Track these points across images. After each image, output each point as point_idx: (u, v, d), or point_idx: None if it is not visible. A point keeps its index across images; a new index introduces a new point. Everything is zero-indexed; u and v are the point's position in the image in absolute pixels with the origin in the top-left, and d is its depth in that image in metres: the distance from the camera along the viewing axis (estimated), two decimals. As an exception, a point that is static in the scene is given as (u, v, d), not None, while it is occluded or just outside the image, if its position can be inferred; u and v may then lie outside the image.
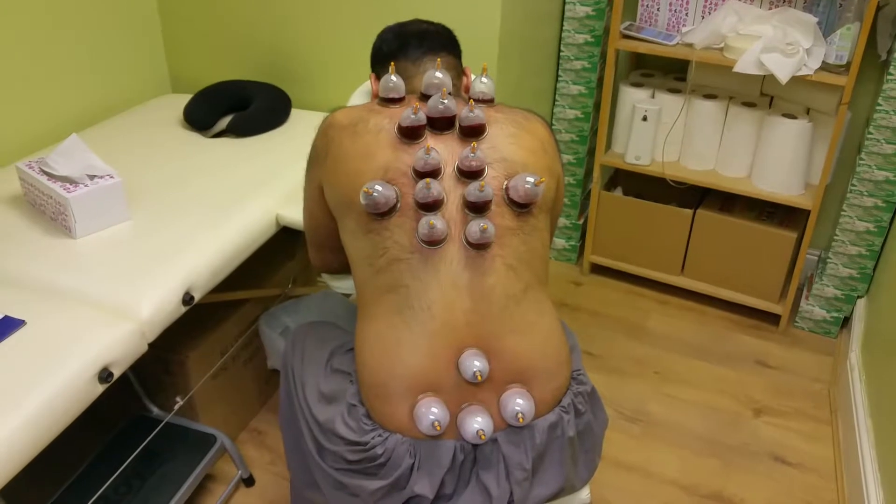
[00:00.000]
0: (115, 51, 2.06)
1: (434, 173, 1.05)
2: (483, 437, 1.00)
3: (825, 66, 1.92)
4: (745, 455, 1.84)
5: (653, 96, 2.25)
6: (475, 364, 1.00)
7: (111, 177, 1.44)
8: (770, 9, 2.03)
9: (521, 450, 1.04)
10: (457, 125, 1.10)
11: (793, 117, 2.06)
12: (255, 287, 1.81)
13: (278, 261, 1.94)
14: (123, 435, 1.62)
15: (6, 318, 1.19)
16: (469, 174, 1.06)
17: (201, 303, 1.39)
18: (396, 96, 1.13)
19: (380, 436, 1.03)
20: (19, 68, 1.80)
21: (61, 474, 1.52)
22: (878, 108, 1.93)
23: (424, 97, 1.12)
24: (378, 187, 1.02)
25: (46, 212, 1.46)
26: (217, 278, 1.42)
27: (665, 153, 2.26)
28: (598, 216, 2.42)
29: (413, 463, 1.02)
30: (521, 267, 1.07)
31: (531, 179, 1.05)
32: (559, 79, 2.34)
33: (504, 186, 1.07)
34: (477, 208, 1.05)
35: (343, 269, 1.26)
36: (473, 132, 1.09)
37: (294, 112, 2.01)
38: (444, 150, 1.08)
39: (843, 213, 2.10)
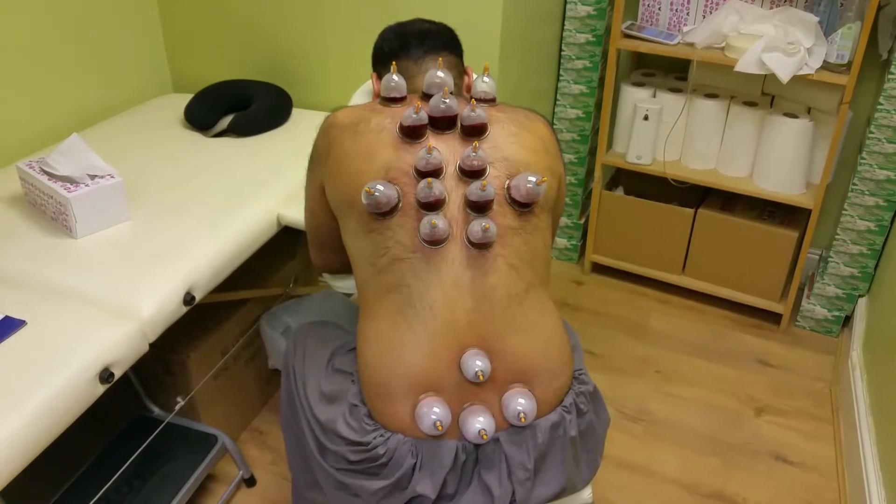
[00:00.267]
0: (115, 50, 2.06)
1: (436, 173, 1.05)
2: (485, 436, 1.00)
3: (826, 66, 1.91)
4: (746, 454, 1.84)
5: (654, 96, 2.25)
6: (477, 364, 1.00)
7: (112, 176, 1.44)
8: (771, 8, 2.03)
9: (523, 450, 1.04)
10: (458, 125, 1.10)
11: (794, 117, 2.06)
12: (256, 287, 1.81)
13: (279, 261, 1.94)
14: (124, 435, 1.62)
15: (7, 318, 1.19)
16: (471, 173, 1.06)
17: (202, 303, 1.39)
18: (398, 96, 1.12)
19: (381, 436, 1.03)
20: (20, 68, 1.80)
21: (62, 475, 1.52)
22: (879, 107, 1.93)
23: (426, 96, 1.12)
24: (380, 187, 1.02)
25: (47, 212, 1.46)
26: (218, 278, 1.42)
27: (666, 152, 2.26)
28: (599, 215, 2.42)
29: (415, 463, 1.02)
30: (523, 266, 1.07)
31: (533, 179, 1.05)
32: (560, 78, 2.33)
33: (506, 186, 1.07)
34: (479, 208, 1.05)
35: (344, 268, 1.26)
36: (475, 131, 1.09)
37: (295, 112, 2.01)
38: (445, 150, 1.08)
39: (844, 212, 2.10)
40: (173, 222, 1.47)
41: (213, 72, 2.19)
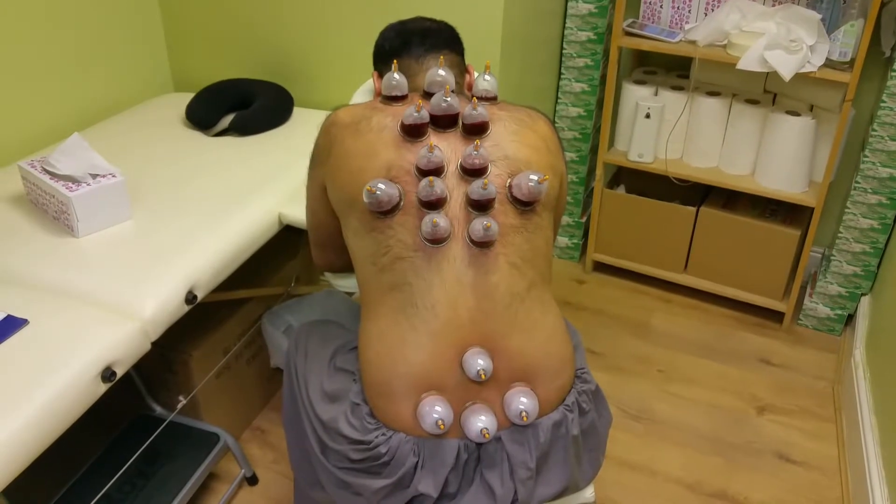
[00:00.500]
0: (116, 49, 2.06)
1: (437, 171, 1.05)
2: (487, 435, 1.00)
3: (829, 63, 1.91)
4: (749, 453, 1.84)
5: (656, 94, 2.25)
6: (479, 363, 1.00)
7: (113, 176, 1.44)
8: (773, 5, 2.02)
9: (525, 448, 1.04)
10: (460, 123, 1.10)
11: (796, 114, 2.06)
12: (257, 286, 1.81)
13: (281, 259, 1.94)
14: (126, 434, 1.62)
15: (9, 317, 1.19)
16: (472, 172, 1.06)
17: (204, 301, 1.39)
18: (399, 94, 1.12)
19: (383, 434, 1.03)
20: (21, 67, 1.80)
21: (65, 474, 1.52)
22: (882, 104, 1.92)
23: (427, 95, 1.12)
24: (381, 185, 1.02)
25: (49, 211, 1.46)
26: (220, 277, 1.42)
27: (668, 151, 2.26)
28: (601, 214, 2.42)
29: (417, 462, 1.02)
30: (525, 265, 1.07)
31: (534, 177, 1.04)
32: (562, 76, 2.33)
33: (507, 184, 1.07)
34: (480, 206, 1.05)
35: (346, 267, 1.26)
36: (476, 130, 1.09)
37: (296, 111, 2.01)
38: (447, 148, 1.08)
39: (846, 210, 2.09)
40: (175, 221, 1.47)
41: (214, 71, 2.19)
